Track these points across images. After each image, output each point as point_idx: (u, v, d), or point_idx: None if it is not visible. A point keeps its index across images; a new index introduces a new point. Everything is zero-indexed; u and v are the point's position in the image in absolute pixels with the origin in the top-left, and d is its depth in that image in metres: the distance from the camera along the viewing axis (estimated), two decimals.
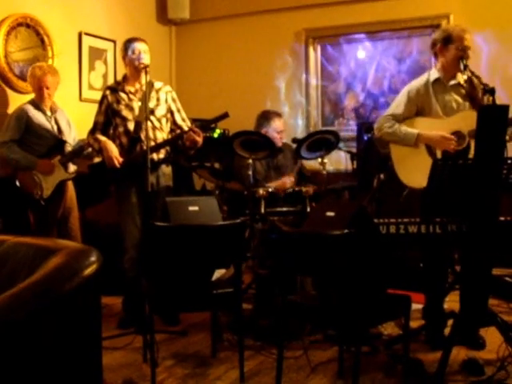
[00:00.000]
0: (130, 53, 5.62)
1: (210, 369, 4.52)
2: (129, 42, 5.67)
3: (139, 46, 5.62)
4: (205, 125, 5.78)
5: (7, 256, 2.84)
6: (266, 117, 6.39)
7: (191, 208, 4.69)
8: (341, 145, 5.90)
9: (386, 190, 6.07)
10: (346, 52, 8.17)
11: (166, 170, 5.79)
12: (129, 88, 5.70)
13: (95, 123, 5.75)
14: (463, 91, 4.88)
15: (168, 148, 5.75)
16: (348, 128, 7.98)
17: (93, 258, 2.48)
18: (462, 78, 4.88)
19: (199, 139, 5.52)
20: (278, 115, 6.44)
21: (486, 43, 6.92)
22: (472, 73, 4.80)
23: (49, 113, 6.16)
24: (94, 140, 5.69)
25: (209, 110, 6.33)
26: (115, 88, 5.76)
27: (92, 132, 5.74)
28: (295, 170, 6.40)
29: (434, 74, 5.05)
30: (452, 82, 4.98)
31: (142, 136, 5.41)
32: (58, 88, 6.31)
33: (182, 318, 5.63)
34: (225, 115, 5.46)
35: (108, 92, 5.74)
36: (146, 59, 5.60)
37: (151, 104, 5.62)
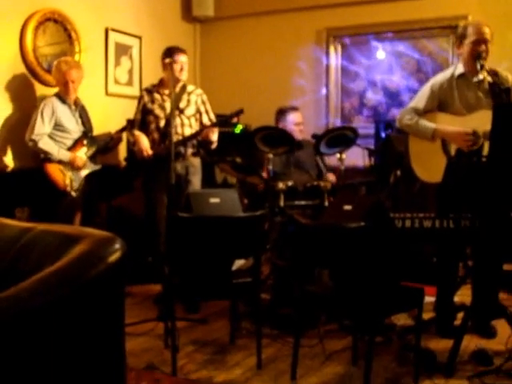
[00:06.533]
0: (173, 63, 5.88)
1: (228, 355, 4.58)
2: (173, 52, 6.02)
3: (182, 59, 6.07)
4: (221, 121, 6.18)
5: (34, 243, 2.86)
6: (282, 112, 6.47)
7: (212, 200, 4.73)
8: (359, 141, 5.90)
9: (401, 186, 6.09)
10: (366, 51, 8.17)
11: (195, 162, 6.20)
12: (163, 90, 6.11)
13: (134, 120, 6.26)
14: (487, 87, 4.84)
15: (195, 142, 6.11)
16: (366, 125, 7.97)
17: (117, 246, 2.50)
18: (483, 74, 4.85)
19: (211, 135, 6.04)
20: (293, 109, 6.51)
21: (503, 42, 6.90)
22: (488, 72, 4.77)
23: (73, 107, 6.23)
24: (130, 134, 6.22)
25: (231, 105, 6.38)
26: (151, 90, 6.21)
27: (131, 127, 6.21)
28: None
29: (459, 68, 5.02)
30: (476, 79, 4.94)
31: (172, 132, 5.57)
32: (84, 82, 6.41)
33: (202, 307, 5.68)
34: (240, 111, 5.86)
35: (144, 93, 6.25)
36: (185, 73, 6.13)
37: (182, 104, 6.10)
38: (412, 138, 5.16)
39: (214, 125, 6.10)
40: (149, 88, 6.25)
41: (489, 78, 4.70)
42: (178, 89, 6.07)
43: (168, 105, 5.95)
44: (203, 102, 6.26)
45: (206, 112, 6.26)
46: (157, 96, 6.12)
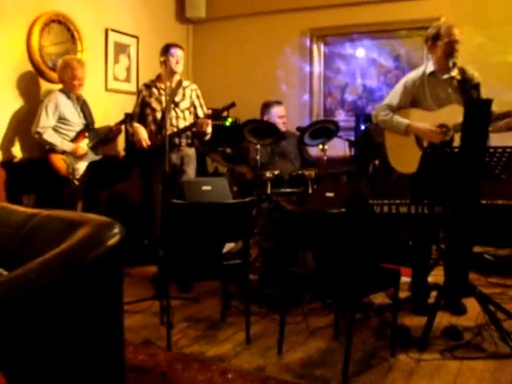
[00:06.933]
0: (169, 56, 5.92)
1: (219, 331, 4.57)
2: (170, 47, 6.01)
3: (178, 53, 6.03)
4: (215, 113, 6.14)
5: (39, 227, 2.86)
6: (266, 105, 6.44)
7: (204, 187, 4.73)
8: (340, 133, 5.90)
9: (379, 175, 6.09)
10: (347, 50, 8.16)
11: (189, 151, 6.17)
12: (160, 85, 6.07)
13: (133, 113, 6.22)
14: (456, 84, 4.85)
15: (189, 133, 6.09)
16: (347, 118, 7.98)
17: (116, 230, 2.50)
18: (455, 72, 4.85)
19: (206, 127, 5.99)
20: (278, 102, 6.48)
21: (476, 38, 6.93)
22: (460, 69, 4.78)
23: (76, 101, 6.23)
24: (130, 126, 6.15)
25: (222, 101, 6.39)
26: (149, 85, 6.18)
27: (130, 120, 6.18)
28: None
29: (430, 66, 5.03)
30: (445, 76, 4.95)
31: (167, 124, 5.55)
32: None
33: (194, 286, 5.68)
34: (232, 105, 5.86)
35: (143, 88, 6.21)
36: (181, 66, 6.08)
37: (177, 98, 6.07)
38: (388, 132, 5.17)
39: (208, 117, 6.05)
40: (147, 83, 6.20)
41: (458, 76, 4.71)
42: (174, 84, 6.02)
43: (164, 99, 5.87)
44: (197, 97, 6.22)
45: (201, 106, 6.22)
46: (154, 90, 6.07)
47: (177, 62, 5.98)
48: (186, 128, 6.00)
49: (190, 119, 6.11)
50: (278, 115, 6.36)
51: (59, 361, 2.28)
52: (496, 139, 4.59)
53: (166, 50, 5.96)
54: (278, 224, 5.18)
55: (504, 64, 7.03)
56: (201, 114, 6.17)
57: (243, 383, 3.60)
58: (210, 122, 6.03)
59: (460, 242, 4.43)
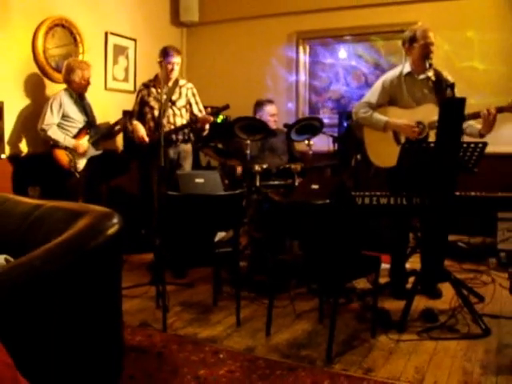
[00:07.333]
0: (166, 63, 5.84)
1: (211, 315, 4.59)
2: (169, 53, 5.94)
3: (175, 60, 5.97)
4: (215, 112, 6.12)
5: (43, 217, 2.87)
6: (259, 104, 6.43)
7: (197, 180, 4.73)
8: (324, 129, 5.90)
9: (361, 168, 6.10)
10: (331, 51, 8.14)
11: (186, 147, 6.15)
12: (158, 85, 5.99)
13: (132, 111, 6.20)
14: (431, 84, 4.86)
15: (186, 130, 6.08)
16: (331, 116, 7.98)
17: (115, 220, 2.51)
18: (430, 72, 4.85)
19: (207, 123, 6.06)
20: (270, 102, 6.47)
21: (445, 45, 6.95)
22: (435, 70, 4.79)
23: (78, 100, 6.22)
24: (129, 123, 6.11)
25: (214, 100, 6.42)
26: (148, 84, 6.16)
27: (130, 118, 6.17)
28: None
29: (406, 67, 5.01)
30: (422, 76, 4.94)
31: (164, 121, 5.54)
32: None
33: (188, 273, 5.69)
34: (226, 107, 5.83)
35: (142, 87, 6.19)
36: (176, 72, 6.04)
37: (174, 97, 6.05)
38: (366, 128, 5.16)
39: (211, 114, 6.05)
40: (146, 83, 6.17)
41: (433, 77, 4.73)
42: (171, 83, 6.00)
43: (162, 97, 5.84)
44: (193, 95, 6.18)
45: (196, 103, 6.18)
46: (153, 90, 6.05)
47: (172, 69, 5.93)
48: (183, 126, 5.99)
49: (186, 116, 6.08)
50: (269, 114, 6.36)
51: (63, 342, 2.29)
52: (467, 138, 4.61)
53: (163, 54, 5.89)
54: (267, 214, 5.19)
55: (471, 69, 7.05)
56: (196, 111, 6.15)
57: (234, 363, 3.61)
58: (211, 118, 6.07)
59: (436, 231, 4.45)
